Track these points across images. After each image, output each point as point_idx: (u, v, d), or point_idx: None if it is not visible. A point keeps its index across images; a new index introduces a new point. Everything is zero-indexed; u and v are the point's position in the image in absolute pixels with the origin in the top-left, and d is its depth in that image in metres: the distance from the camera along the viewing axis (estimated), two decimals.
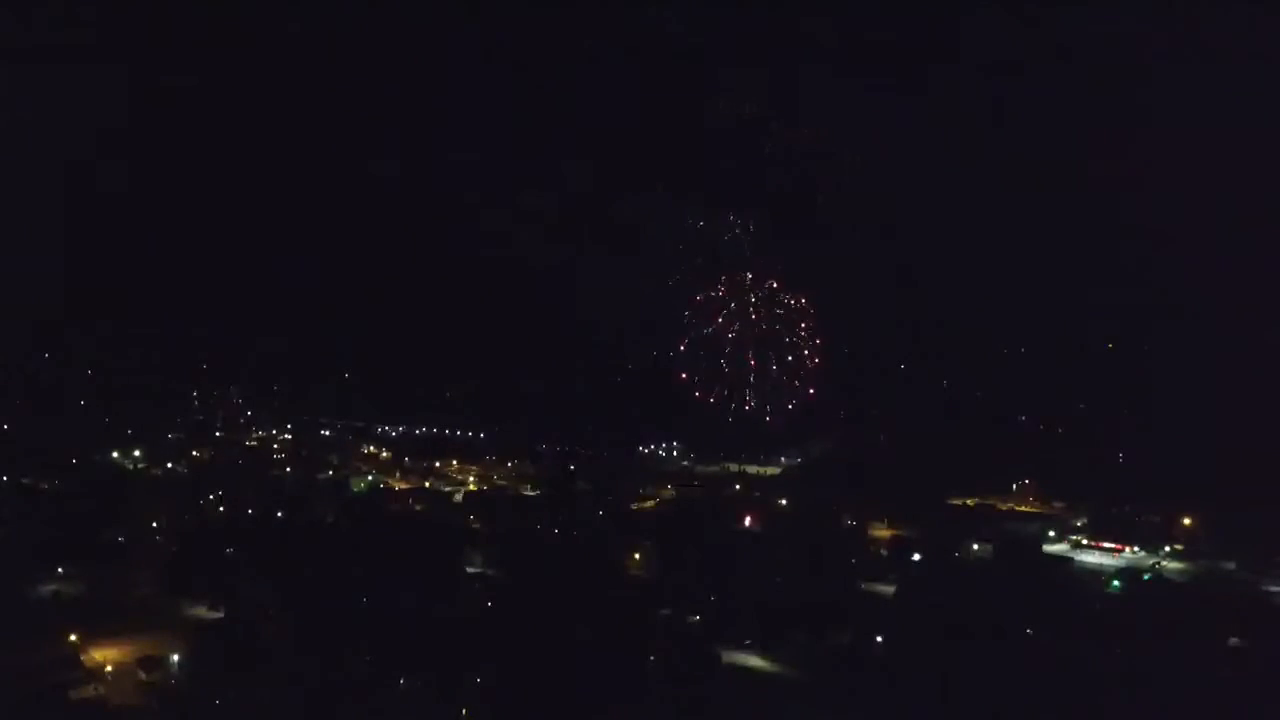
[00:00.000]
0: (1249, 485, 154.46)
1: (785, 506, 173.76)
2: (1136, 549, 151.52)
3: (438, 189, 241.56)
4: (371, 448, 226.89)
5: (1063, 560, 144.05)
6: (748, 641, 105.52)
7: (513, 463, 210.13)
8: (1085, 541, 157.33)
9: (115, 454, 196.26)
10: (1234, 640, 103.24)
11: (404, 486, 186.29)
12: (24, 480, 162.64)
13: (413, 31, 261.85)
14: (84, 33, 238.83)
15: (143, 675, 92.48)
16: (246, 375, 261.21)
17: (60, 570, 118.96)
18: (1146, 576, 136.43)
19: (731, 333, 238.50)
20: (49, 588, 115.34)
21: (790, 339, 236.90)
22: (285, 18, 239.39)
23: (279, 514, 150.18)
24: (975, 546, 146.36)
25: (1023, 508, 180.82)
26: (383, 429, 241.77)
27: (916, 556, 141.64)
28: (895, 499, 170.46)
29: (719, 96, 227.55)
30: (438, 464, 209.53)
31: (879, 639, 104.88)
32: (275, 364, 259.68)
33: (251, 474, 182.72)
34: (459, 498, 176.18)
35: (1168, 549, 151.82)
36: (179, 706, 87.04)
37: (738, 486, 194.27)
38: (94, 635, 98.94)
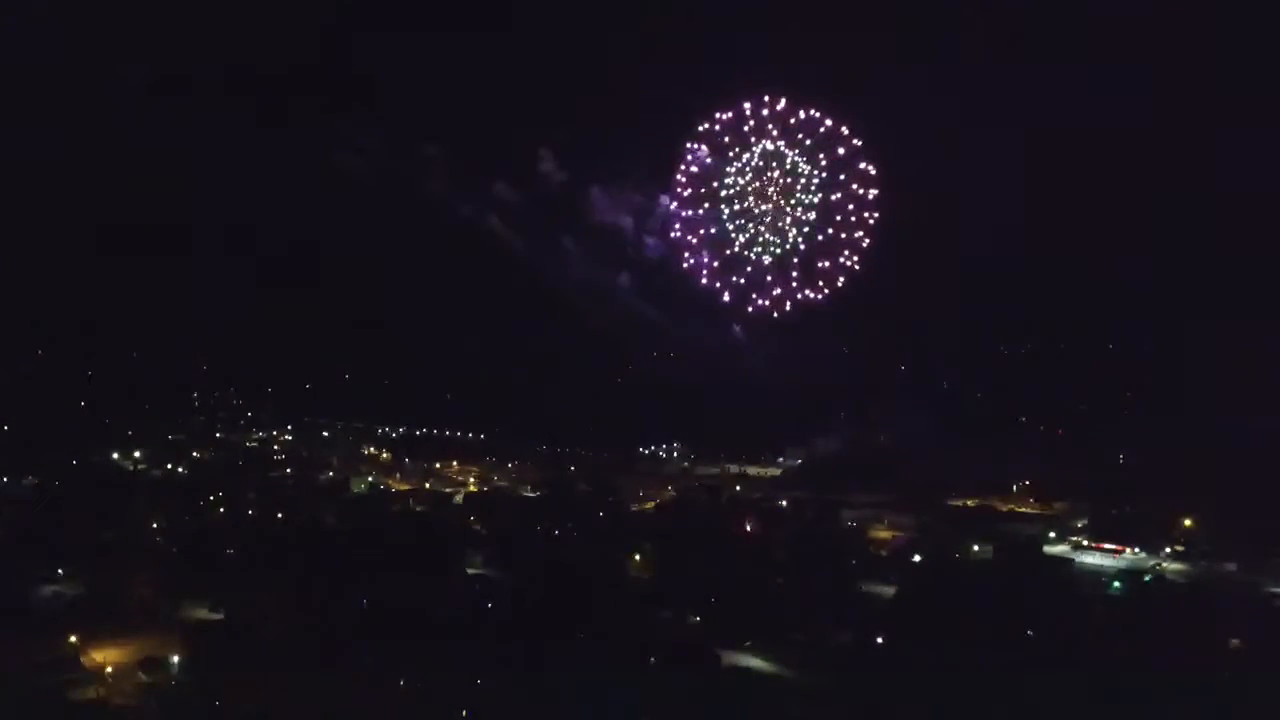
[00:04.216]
0: (1249, 485, 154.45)
1: (785, 507, 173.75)
2: (1137, 550, 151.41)
3: (437, 189, 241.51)
4: (372, 448, 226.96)
5: (1063, 561, 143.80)
6: (748, 642, 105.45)
7: (513, 464, 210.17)
8: (1086, 542, 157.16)
9: (115, 454, 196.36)
10: (1235, 641, 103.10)
11: (404, 487, 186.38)
12: (25, 480, 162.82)
13: (406, 31, 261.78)
14: (85, 35, 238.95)
15: (143, 676, 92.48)
16: (247, 375, 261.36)
17: (60, 570, 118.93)
18: (1147, 578, 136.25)
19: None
20: (49, 588, 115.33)
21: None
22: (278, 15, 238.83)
23: (279, 514, 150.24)
24: (975, 547, 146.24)
25: (1023, 508, 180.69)
26: (383, 429, 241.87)
27: (917, 557, 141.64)
28: (895, 499, 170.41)
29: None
30: (438, 465, 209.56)
31: (879, 639, 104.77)
32: (276, 365, 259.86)
33: (251, 474, 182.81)
34: (459, 499, 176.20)
35: (1168, 550, 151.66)
36: (179, 707, 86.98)
37: (738, 487, 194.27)
38: (94, 636, 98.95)
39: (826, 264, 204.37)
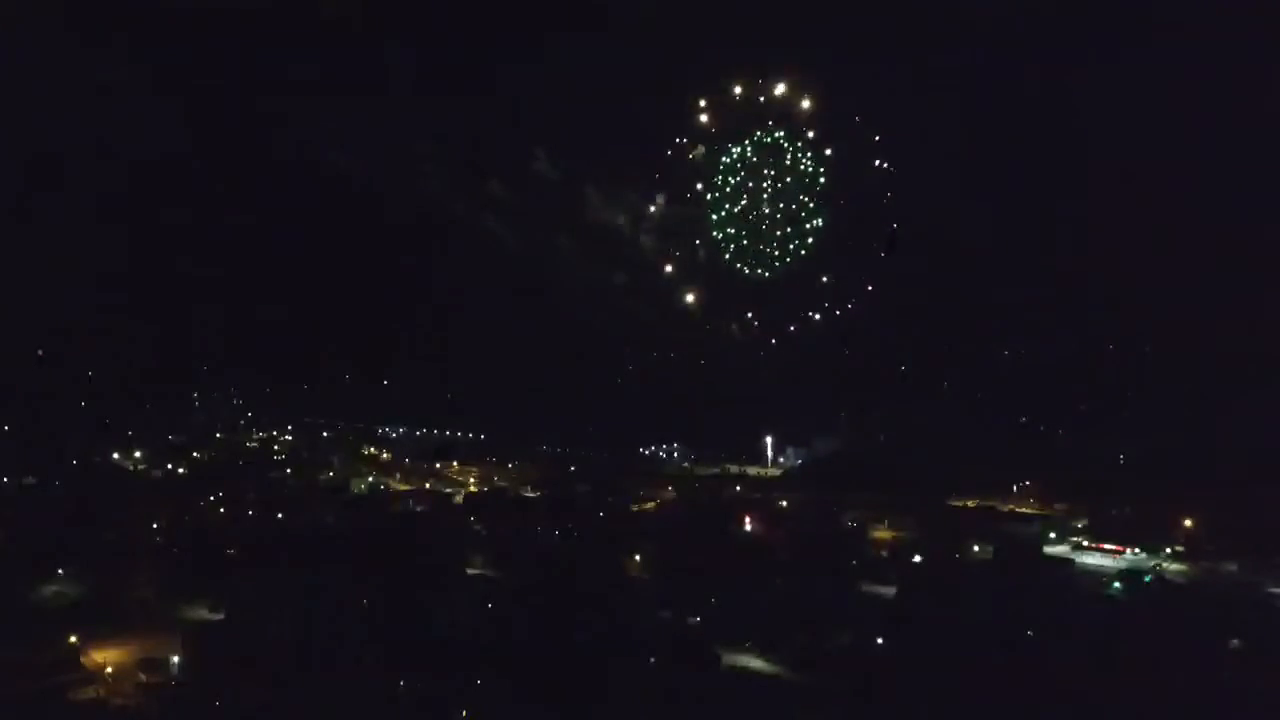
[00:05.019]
0: (1249, 485, 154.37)
1: (785, 507, 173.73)
2: (1137, 550, 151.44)
3: (437, 189, 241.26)
4: (372, 449, 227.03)
5: (1063, 562, 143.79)
6: (748, 643, 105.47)
7: (513, 464, 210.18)
8: (1086, 543, 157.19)
9: (115, 454, 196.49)
10: (1235, 642, 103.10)
11: (404, 487, 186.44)
12: (24, 480, 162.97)
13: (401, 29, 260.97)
14: (86, 31, 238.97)
15: (143, 676, 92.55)
16: (247, 376, 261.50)
17: (60, 570, 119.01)
18: (1147, 578, 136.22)
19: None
20: (49, 588, 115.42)
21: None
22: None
23: (279, 515, 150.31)
24: (976, 548, 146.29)
25: (1023, 509, 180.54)
26: (383, 430, 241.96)
27: (917, 558, 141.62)
28: (896, 500, 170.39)
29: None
30: (438, 465, 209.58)
31: (879, 640, 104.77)
32: (276, 364, 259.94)
33: (251, 474, 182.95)
34: (459, 499, 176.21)
35: (1169, 550, 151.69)
36: (179, 707, 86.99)
37: (738, 488, 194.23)
38: (94, 636, 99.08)
39: (833, 279, 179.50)
